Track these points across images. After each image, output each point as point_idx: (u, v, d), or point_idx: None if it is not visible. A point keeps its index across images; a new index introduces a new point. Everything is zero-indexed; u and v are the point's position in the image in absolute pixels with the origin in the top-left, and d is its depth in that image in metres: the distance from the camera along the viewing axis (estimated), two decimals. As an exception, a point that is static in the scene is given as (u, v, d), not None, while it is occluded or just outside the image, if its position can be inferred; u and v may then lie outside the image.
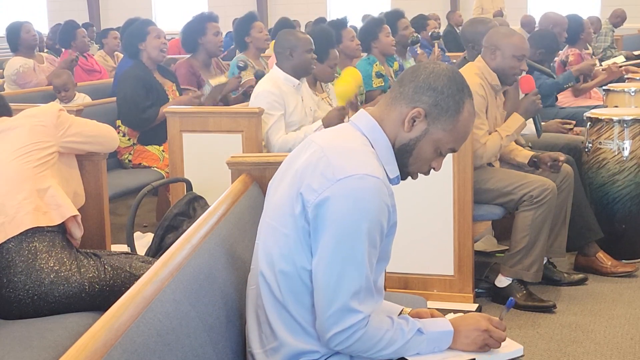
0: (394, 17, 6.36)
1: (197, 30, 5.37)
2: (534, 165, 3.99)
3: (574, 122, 5.36)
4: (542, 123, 5.03)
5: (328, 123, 4.27)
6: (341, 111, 4.34)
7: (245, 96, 5.41)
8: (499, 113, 4.04)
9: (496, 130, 3.92)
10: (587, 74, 5.93)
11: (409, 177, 2.06)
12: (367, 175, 1.85)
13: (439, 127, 1.96)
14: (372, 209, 1.85)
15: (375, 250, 1.89)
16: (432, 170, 2.04)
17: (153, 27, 5.12)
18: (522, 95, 4.14)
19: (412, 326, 1.95)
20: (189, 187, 3.85)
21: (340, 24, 5.56)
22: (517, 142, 4.29)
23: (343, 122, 4.33)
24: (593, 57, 7.02)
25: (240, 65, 5.34)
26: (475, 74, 3.86)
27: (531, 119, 4.14)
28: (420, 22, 7.63)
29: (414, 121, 1.96)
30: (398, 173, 2.01)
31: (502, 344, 2.04)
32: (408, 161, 2.00)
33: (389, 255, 2.04)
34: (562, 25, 5.93)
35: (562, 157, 3.92)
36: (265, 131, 4.26)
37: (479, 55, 4.00)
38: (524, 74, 3.98)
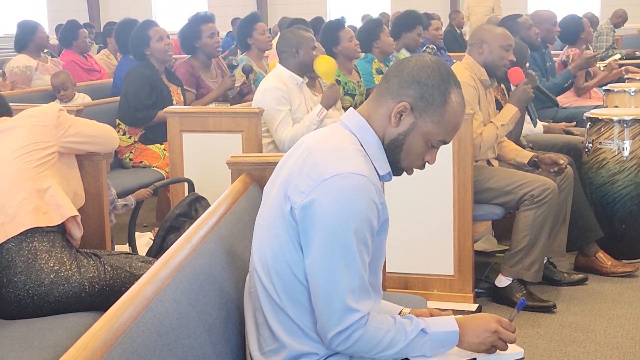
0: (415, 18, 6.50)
1: (192, 34, 5.36)
2: (534, 165, 4.00)
3: (574, 123, 5.35)
4: (545, 124, 5.04)
5: (327, 103, 4.36)
6: (332, 87, 4.42)
7: (241, 95, 5.43)
8: (490, 108, 4.06)
9: (491, 122, 3.94)
10: (586, 67, 5.84)
11: (404, 173, 2.04)
12: (353, 174, 1.85)
13: (426, 120, 1.94)
14: (360, 207, 1.84)
15: (367, 249, 1.88)
16: (426, 164, 2.02)
17: (154, 29, 5.08)
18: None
19: (416, 326, 1.93)
20: (191, 187, 3.85)
21: (338, 24, 5.58)
22: (518, 144, 4.30)
23: (339, 97, 4.41)
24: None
25: (234, 64, 5.40)
26: (465, 68, 3.95)
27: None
28: (423, 22, 7.63)
29: (401, 115, 1.95)
30: (389, 169, 2.00)
31: None
32: (400, 156, 1.98)
33: (383, 252, 2.03)
34: (550, 20, 5.87)
35: (562, 160, 3.92)
36: (274, 127, 4.27)
37: (466, 53, 4.04)
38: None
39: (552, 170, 3.92)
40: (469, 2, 12.39)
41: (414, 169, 2.04)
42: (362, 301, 1.85)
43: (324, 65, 4.41)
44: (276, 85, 4.31)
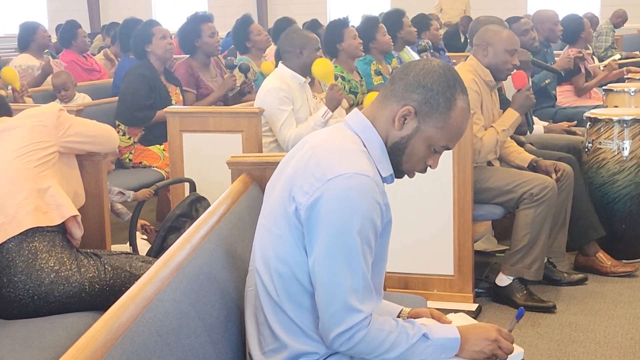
0: (398, 15, 6.47)
1: (192, 33, 5.37)
2: (533, 169, 4.02)
3: (575, 123, 5.35)
4: (545, 124, 5.03)
5: (331, 105, 4.37)
6: (334, 88, 4.40)
7: (242, 94, 5.45)
8: (495, 109, 4.07)
9: (492, 126, 3.94)
10: (567, 68, 5.82)
11: (406, 176, 2.04)
12: (357, 174, 1.85)
13: (430, 125, 1.94)
14: (363, 207, 1.84)
15: (370, 249, 1.88)
16: (428, 168, 2.02)
17: (157, 27, 5.10)
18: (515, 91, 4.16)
19: (418, 330, 1.92)
20: (193, 187, 3.84)
21: (343, 23, 5.60)
22: (516, 141, 4.30)
23: (342, 98, 4.43)
24: (593, 57, 7.00)
25: (234, 64, 5.42)
26: (468, 70, 3.92)
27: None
28: (423, 22, 7.63)
29: (405, 119, 1.94)
30: (391, 171, 1.99)
31: None
32: (401, 159, 1.98)
33: (386, 256, 2.03)
34: (552, 20, 5.87)
35: (554, 174, 3.93)
36: (278, 127, 4.28)
37: (471, 54, 4.04)
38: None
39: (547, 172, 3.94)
40: (442, 3, 12.40)
41: (416, 173, 2.04)
42: (365, 301, 1.85)
43: (321, 66, 4.40)
44: (278, 85, 4.32)
